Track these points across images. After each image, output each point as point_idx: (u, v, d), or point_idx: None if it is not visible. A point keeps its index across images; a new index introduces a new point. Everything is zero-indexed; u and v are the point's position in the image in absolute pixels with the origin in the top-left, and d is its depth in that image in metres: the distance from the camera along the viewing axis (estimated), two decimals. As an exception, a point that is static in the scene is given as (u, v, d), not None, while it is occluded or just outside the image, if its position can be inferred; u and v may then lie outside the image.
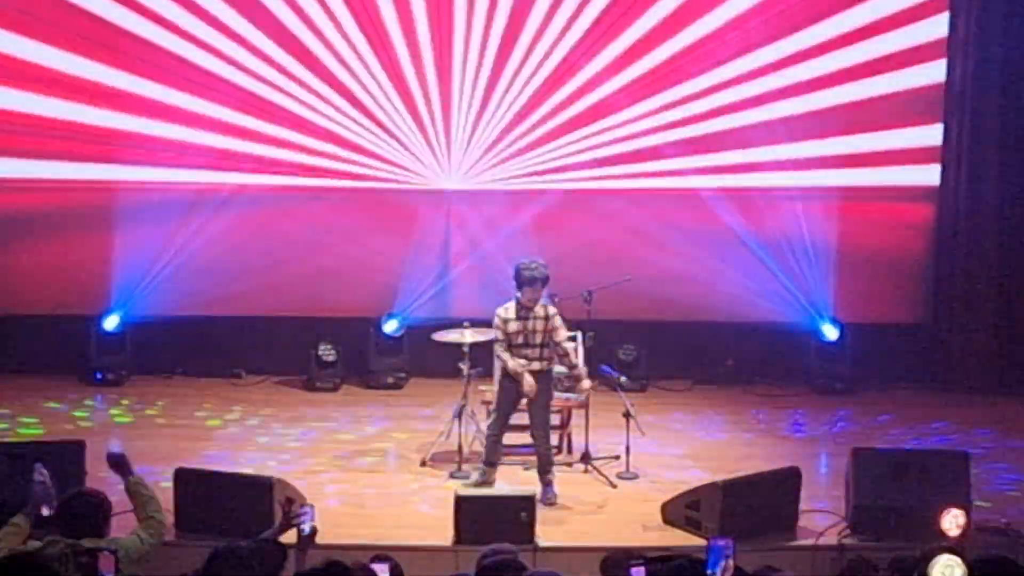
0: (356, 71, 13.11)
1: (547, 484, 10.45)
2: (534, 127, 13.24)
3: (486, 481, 10.43)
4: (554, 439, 11.14)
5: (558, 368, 11.07)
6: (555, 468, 10.64)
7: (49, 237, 13.24)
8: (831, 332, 13.27)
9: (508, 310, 10.35)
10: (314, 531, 7.70)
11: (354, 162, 13.27)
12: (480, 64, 13.12)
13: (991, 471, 10.94)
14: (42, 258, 13.25)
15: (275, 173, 13.24)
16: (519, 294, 10.29)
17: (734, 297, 13.32)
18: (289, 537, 7.52)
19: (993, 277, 13.36)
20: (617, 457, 11.12)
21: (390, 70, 13.12)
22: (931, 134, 13.30)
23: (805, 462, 10.58)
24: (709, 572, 6.70)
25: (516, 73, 13.13)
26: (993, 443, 11.86)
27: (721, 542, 6.86)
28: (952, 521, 9.21)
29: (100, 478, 10.27)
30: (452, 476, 10.72)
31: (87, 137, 13.04)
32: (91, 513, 7.06)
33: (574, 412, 11.23)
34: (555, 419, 11.20)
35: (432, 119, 13.24)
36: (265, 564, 6.85)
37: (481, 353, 11.05)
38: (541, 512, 9.86)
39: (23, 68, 12.93)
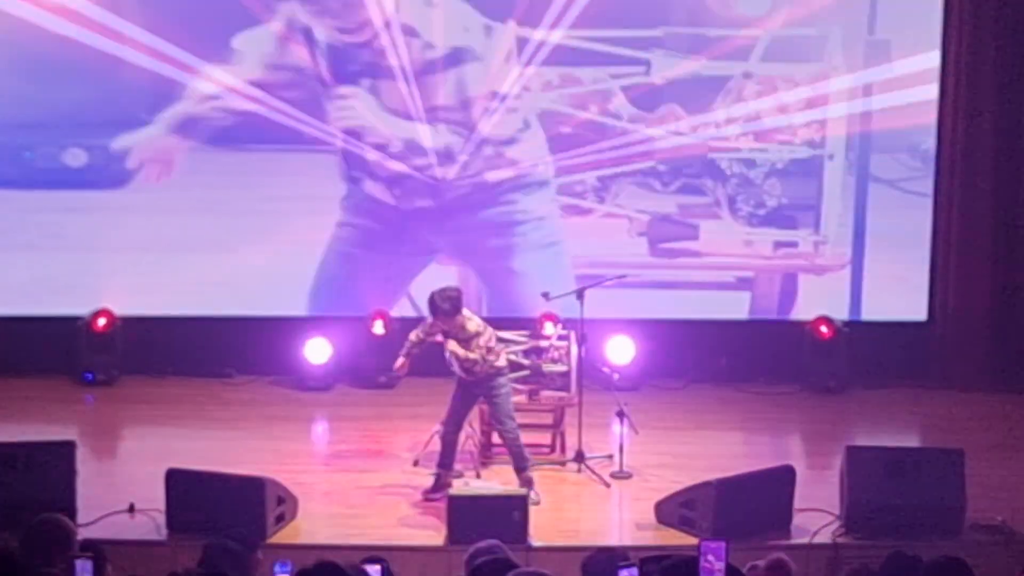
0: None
1: (526, 482, 10.40)
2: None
3: (445, 485, 10.35)
4: (547, 438, 11.11)
5: (551, 367, 11.05)
6: (549, 467, 10.60)
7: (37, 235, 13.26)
8: (826, 330, 13.24)
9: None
10: None
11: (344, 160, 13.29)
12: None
13: (986, 468, 10.91)
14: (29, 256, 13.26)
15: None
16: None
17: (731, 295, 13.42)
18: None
19: (989, 273, 13.34)
20: (610, 456, 11.10)
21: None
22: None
23: (799, 460, 10.57)
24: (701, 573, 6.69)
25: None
26: (988, 440, 11.83)
27: (714, 544, 6.84)
28: None
29: (92, 479, 10.31)
30: (426, 499, 10.56)
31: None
32: (54, 540, 6.96)
33: (567, 411, 11.19)
34: (548, 418, 11.17)
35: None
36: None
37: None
38: (534, 511, 9.83)
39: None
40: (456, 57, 13.03)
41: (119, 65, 13.01)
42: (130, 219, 13.27)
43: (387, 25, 12.94)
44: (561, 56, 13.15)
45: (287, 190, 13.24)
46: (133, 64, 12.98)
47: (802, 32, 13.27)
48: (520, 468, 10.43)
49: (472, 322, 10.32)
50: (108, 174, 13.28)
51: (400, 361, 10.54)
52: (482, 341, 10.27)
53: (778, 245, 13.56)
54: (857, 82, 13.29)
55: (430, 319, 10.35)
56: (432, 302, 10.26)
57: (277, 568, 7.22)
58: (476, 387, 10.41)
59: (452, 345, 10.24)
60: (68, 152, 13.27)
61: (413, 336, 10.48)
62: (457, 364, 10.31)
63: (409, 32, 12.96)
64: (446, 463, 10.46)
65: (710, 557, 6.86)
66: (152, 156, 13.17)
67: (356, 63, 13.04)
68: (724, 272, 13.62)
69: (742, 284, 13.64)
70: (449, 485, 10.25)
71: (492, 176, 13.28)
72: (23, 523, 7.15)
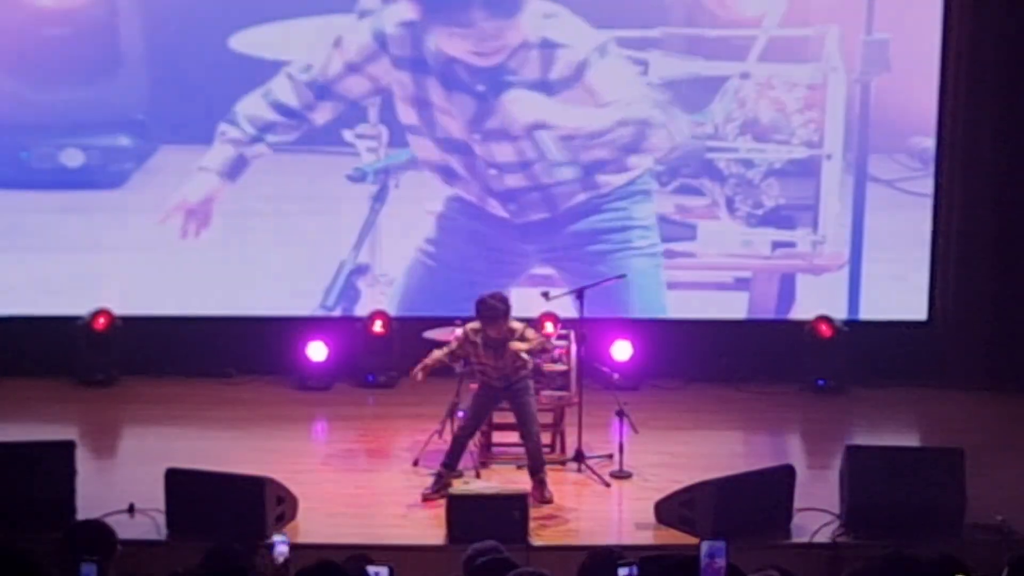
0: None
1: (540, 483, 10.41)
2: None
3: (445, 485, 10.33)
4: (547, 438, 11.10)
5: (551, 366, 11.04)
6: (549, 467, 10.60)
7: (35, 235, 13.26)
8: (826, 329, 13.22)
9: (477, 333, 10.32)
10: (287, 561, 7.67)
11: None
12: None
13: (986, 468, 10.90)
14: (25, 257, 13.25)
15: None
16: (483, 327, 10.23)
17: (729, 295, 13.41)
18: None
19: (988, 273, 13.34)
20: (610, 456, 11.09)
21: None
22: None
23: (799, 460, 10.57)
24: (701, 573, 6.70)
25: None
26: (988, 440, 11.82)
27: (715, 544, 6.85)
28: None
29: (91, 478, 10.32)
30: (425, 498, 10.51)
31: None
32: (99, 543, 6.99)
33: (567, 411, 11.18)
34: (548, 418, 11.16)
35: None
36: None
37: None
38: (534, 511, 9.84)
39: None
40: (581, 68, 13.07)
41: (117, 65, 13.06)
42: (128, 219, 13.24)
43: (522, 45, 12.99)
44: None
45: (286, 190, 13.26)
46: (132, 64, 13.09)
47: (800, 32, 13.26)
48: (535, 470, 10.42)
49: (516, 323, 10.33)
50: (105, 174, 13.27)
51: (420, 370, 10.44)
52: (530, 335, 10.32)
53: (776, 245, 13.53)
54: (855, 82, 13.28)
55: (459, 333, 10.31)
56: (487, 306, 10.13)
57: (276, 540, 7.32)
58: (506, 391, 10.38)
59: (518, 345, 10.19)
60: (65, 152, 13.24)
61: (442, 356, 10.42)
62: (521, 364, 10.27)
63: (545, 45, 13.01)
64: (451, 464, 10.45)
65: (711, 557, 6.88)
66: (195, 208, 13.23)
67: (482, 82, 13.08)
68: (722, 272, 13.60)
69: (740, 285, 13.61)
70: (449, 485, 10.25)
71: (607, 183, 13.28)
72: (23, 522, 7.19)
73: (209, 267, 13.26)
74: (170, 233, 13.20)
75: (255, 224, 13.30)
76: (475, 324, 10.32)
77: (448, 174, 13.27)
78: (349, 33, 13.06)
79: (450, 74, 13.04)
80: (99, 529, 7.11)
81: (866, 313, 13.50)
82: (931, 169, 13.40)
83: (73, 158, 13.25)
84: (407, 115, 13.17)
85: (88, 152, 13.27)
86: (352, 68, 13.09)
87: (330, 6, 13.11)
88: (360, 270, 13.41)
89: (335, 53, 13.06)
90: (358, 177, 13.30)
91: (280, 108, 13.10)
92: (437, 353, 10.48)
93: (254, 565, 7.22)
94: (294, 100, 13.09)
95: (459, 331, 10.46)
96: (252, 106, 13.10)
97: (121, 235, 13.24)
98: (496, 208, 13.29)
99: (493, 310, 10.14)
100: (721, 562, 6.85)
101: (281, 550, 7.76)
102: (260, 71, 13.09)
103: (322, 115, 13.13)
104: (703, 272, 13.56)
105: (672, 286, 13.49)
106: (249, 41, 13.06)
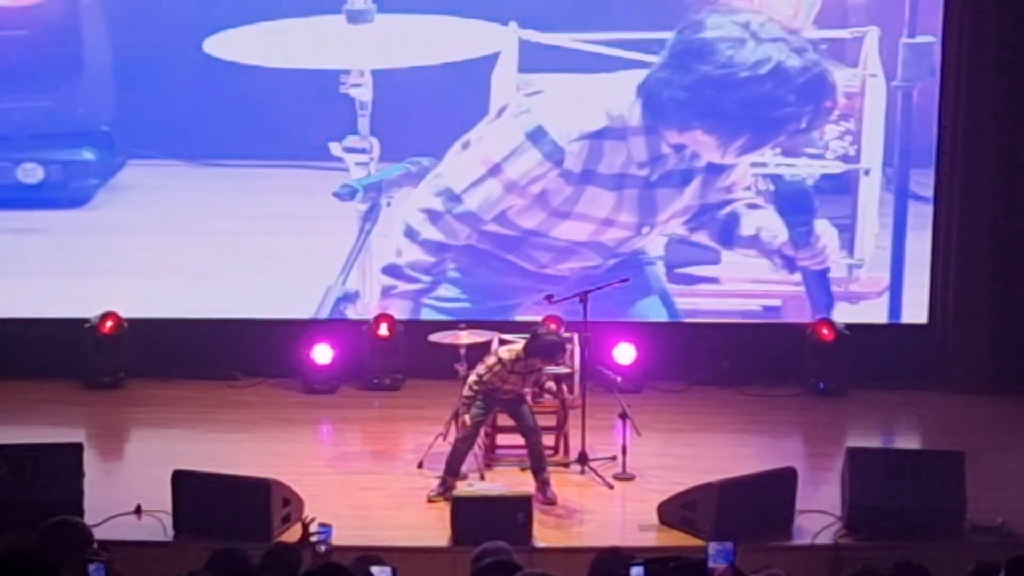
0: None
1: (544, 483, 10.47)
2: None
3: (450, 487, 10.40)
4: (550, 440, 11.16)
5: (554, 369, 11.10)
6: (552, 469, 10.67)
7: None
8: (828, 332, 13.23)
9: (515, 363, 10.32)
10: (329, 551, 7.76)
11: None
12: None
13: (986, 470, 10.96)
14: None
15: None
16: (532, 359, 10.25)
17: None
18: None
19: (989, 276, 13.36)
20: (613, 458, 11.14)
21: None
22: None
23: (801, 462, 10.61)
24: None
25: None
26: (988, 442, 11.87)
27: (722, 545, 6.92)
28: None
29: (99, 480, 10.39)
30: (430, 500, 10.55)
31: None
32: (73, 542, 7.04)
33: (570, 413, 11.24)
34: (551, 420, 11.22)
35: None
36: (280, 569, 6.94)
37: (477, 355, 11.04)
38: (538, 513, 9.90)
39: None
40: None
41: (79, 70, 12.66)
42: (123, 235, 13.06)
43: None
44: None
45: (267, 209, 13.10)
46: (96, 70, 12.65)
47: (836, 34, 12.65)
48: (539, 469, 10.48)
49: None
50: (67, 191, 12.81)
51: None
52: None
53: (808, 270, 13.12)
54: (896, 89, 12.78)
55: (496, 367, 10.28)
56: (562, 347, 10.36)
57: (319, 529, 7.42)
58: (511, 399, 10.45)
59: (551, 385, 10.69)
60: (22, 168, 12.73)
61: (471, 398, 10.34)
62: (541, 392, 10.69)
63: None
64: (454, 471, 10.51)
65: (718, 558, 6.95)
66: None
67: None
68: (749, 300, 13.19)
69: (769, 314, 13.18)
70: (455, 488, 10.32)
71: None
72: (31, 524, 7.24)
73: (212, 272, 13.22)
74: (169, 247, 13.05)
75: (243, 242, 13.12)
76: (515, 354, 10.25)
77: (511, 245, 12.89)
78: (511, 159, 12.52)
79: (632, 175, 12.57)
80: (74, 528, 7.15)
81: (865, 315, 13.45)
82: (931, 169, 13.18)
83: (31, 174, 12.75)
84: (530, 218, 12.77)
85: (48, 167, 12.75)
86: (512, 188, 12.65)
87: (313, 7, 12.59)
88: (348, 297, 13.14)
89: (494, 182, 12.63)
90: (346, 194, 12.92)
91: (432, 246, 12.81)
92: (466, 397, 10.43)
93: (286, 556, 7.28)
94: (442, 236, 12.79)
95: (494, 363, 10.29)
96: (408, 252, 12.76)
97: (116, 251, 12.99)
98: (562, 272, 12.93)
99: (561, 348, 10.36)
100: (729, 563, 6.91)
101: (326, 540, 7.88)
102: (238, 78, 12.54)
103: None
104: (727, 300, 13.20)
105: (694, 314, 13.21)
106: (226, 44, 12.44)
